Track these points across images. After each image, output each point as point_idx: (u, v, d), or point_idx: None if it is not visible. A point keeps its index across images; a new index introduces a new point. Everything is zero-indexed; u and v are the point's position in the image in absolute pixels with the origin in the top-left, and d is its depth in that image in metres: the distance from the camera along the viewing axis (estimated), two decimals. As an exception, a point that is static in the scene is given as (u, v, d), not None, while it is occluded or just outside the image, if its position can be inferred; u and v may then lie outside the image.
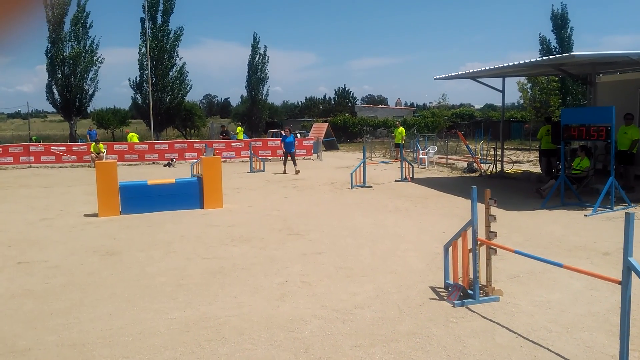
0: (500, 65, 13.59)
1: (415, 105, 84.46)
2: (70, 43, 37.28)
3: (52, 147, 24.21)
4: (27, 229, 9.47)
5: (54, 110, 41.07)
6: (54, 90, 37.72)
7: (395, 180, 15.60)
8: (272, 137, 32.57)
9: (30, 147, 23.98)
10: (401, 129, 22.23)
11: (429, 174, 17.73)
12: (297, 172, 18.11)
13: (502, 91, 16.62)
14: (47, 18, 36.20)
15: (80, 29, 37.39)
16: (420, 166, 20.04)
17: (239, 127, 32.59)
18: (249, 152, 21.24)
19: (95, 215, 10.48)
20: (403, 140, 22.59)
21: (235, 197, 12.91)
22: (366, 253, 7.22)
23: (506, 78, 16.72)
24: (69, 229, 9.39)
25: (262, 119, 48.44)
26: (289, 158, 18.88)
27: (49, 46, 36.80)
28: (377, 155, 26.38)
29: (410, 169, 16.11)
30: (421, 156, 21.05)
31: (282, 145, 19.01)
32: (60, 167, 23.25)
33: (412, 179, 15.68)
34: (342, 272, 6.33)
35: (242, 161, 23.64)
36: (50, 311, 5.20)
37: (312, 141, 26.66)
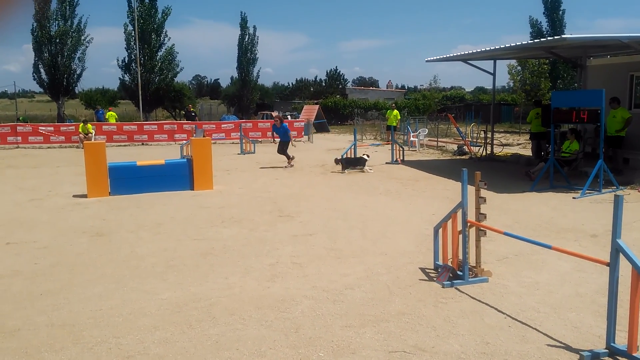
0: (491, 48, 13.55)
1: (406, 87, 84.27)
2: (57, 22, 36.56)
3: (39, 128, 23.90)
4: (15, 209, 9.38)
5: (41, 90, 40.43)
6: (41, 70, 37.09)
7: (386, 163, 15.61)
8: (262, 118, 32.40)
9: (18, 128, 23.64)
10: (396, 111, 22.19)
11: (419, 157, 17.76)
12: (291, 160, 15.38)
13: (493, 74, 16.61)
14: (33, -5, 35.41)
15: (67, 7, 36.64)
16: (410, 149, 20.05)
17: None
18: (239, 134, 21.11)
19: (84, 196, 10.40)
20: (397, 123, 22.54)
21: (226, 178, 12.86)
22: (356, 235, 7.24)
23: (497, 61, 16.69)
24: (57, 209, 9.31)
25: (252, 101, 48.07)
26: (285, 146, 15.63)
27: (35, 25, 36.05)
28: (368, 138, 26.34)
29: (401, 152, 16.12)
30: (412, 139, 21.05)
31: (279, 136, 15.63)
32: (48, 147, 22.98)
33: (403, 162, 15.71)
34: (333, 253, 6.35)
35: (233, 143, 23.51)
36: (40, 292, 5.17)
37: (302, 123, 26.55)
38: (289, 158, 15.19)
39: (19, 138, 23.11)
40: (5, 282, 5.47)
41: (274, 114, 16.24)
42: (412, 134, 21.47)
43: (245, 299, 4.88)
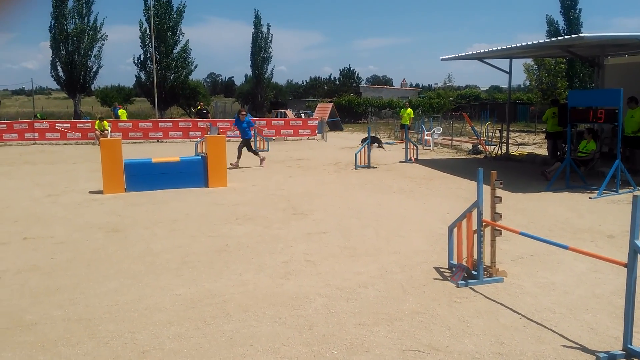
0: (507, 46, 13.42)
1: (420, 86, 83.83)
2: (73, 19, 36.97)
3: (56, 124, 24.20)
4: (32, 205, 9.51)
5: (58, 87, 40.94)
6: (58, 67, 37.56)
7: (400, 161, 15.56)
8: (276, 116, 32.48)
9: (35, 124, 23.96)
10: (409, 110, 22.06)
11: (433, 155, 17.67)
12: (262, 161, 14.89)
13: (509, 72, 16.45)
14: (51, -7, 35.89)
15: (84, 5, 37.04)
16: (425, 147, 19.96)
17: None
18: (253, 132, 21.15)
19: (100, 192, 10.51)
20: (411, 121, 22.44)
21: (240, 176, 12.92)
22: (370, 233, 7.23)
23: (513, 59, 16.54)
24: (74, 205, 9.43)
25: (266, 99, 48.21)
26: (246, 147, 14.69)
27: (53, 22, 36.53)
28: (382, 136, 26.25)
29: (415, 150, 16.05)
30: (426, 137, 20.95)
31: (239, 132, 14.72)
32: (65, 144, 23.25)
33: (417, 160, 15.64)
34: (346, 251, 6.35)
35: (246, 140, 23.56)
36: (57, 286, 5.24)
37: (316, 121, 26.56)
38: (257, 154, 15.00)
39: (36, 134, 23.43)
40: (22, 277, 5.55)
41: (242, 112, 15.29)
42: (426, 132, 21.36)
43: (259, 296, 4.90)
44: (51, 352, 3.85)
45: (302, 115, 34.37)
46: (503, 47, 13.65)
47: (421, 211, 8.69)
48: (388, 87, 66.62)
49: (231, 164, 13.93)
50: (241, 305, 4.68)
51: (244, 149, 14.56)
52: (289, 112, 36.03)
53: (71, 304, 4.78)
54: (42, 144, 23.00)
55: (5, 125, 23.80)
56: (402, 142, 18.07)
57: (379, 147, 15.45)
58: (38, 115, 36.85)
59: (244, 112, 14.90)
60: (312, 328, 4.19)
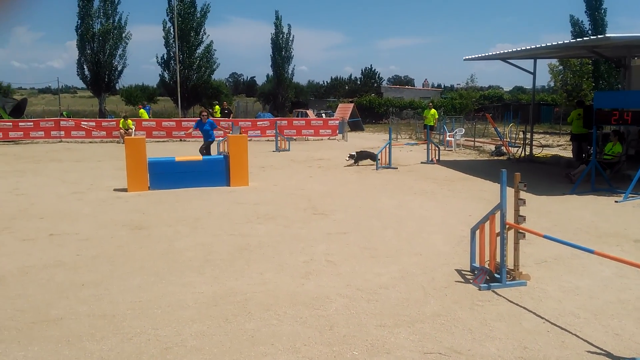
0: (531, 47, 13.23)
1: (442, 86, 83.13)
2: (99, 19, 37.59)
3: (82, 122, 24.65)
4: (58, 202, 9.71)
5: (84, 86, 41.64)
6: (84, 67, 38.19)
7: (421, 162, 15.46)
8: (297, 116, 32.55)
9: (61, 122, 24.42)
10: (433, 110, 21.94)
11: (455, 157, 17.52)
12: None
13: (533, 73, 16.22)
14: (77, -6, 36.54)
15: (109, 5, 37.63)
16: (446, 148, 19.80)
17: (217, 107, 30.79)
18: (274, 131, 21.28)
19: (125, 190, 10.68)
20: (435, 122, 22.30)
21: (261, 175, 12.99)
22: (391, 234, 7.21)
23: (537, 60, 16.30)
24: (99, 202, 9.60)
25: (287, 99, 48.35)
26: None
27: (79, 22, 37.19)
28: (403, 137, 26.14)
29: (437, 151, 15.94)
30: (448, 138, 20.79)
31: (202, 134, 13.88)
32: (90, 142, 23.66)
33: (439, 161, 15.53)
34: (367, 252, 6.34)
35: (268, 140, 23.70)
36: (82, 282, 5.35)
37: (337, 121, 26.54)
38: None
39: (62, 132, 23.88)
40: (49, 272, 5.67)
41: (204, 112, 14.13)
42: (448, 133, 21.19)
43: (279, 295, 4.93)
44: (76, 347, 3.92)
45: (323, 115, 34.38)
46: (527, 48, 13.46)
47: (443, 213, 8.63)
48: (410, 87, 66.26)
49: None
50: (262, 304, 4.72)
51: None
52: (310, 112, 36.08)
53: (96, 299, 4.87)
54: (68, 142, 23.45)
55: (32, 123, 24.32)
56: (424, 143, 17.97)
57: (373, 160, 14.50)
58: (64, 113, 37.49)
59: (205, 114, 14.03)
60: (332, 328, 4.20)
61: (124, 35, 38.39)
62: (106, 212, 8.74)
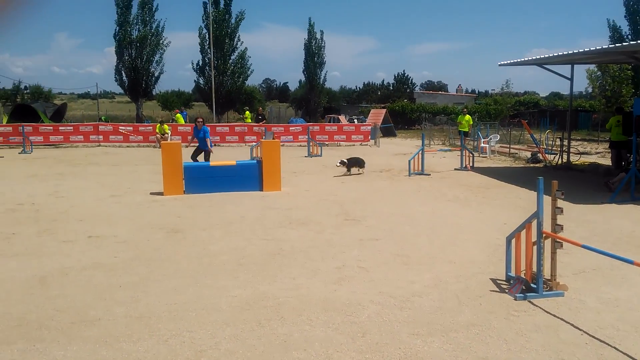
0: (569, 52, 12.94)
1: (477, 92, 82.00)
2: (137, 26, 38.63)
3: (119, 127, 25.32)
4: (97, 205, 9.99)
5: (122, 91, 42.83)
6: (122, 72, 39.30)
7: (455, 169, 15.28)
8: (329, 122, 32.64)
9: (100, 127, 25.15)
10: (468, 116, 21.70)
11: (490, 163, 17.24)
12: None
13: (571, 79, 15.85)
14: (116, 1, 37.66)
15: (147, 11, 38.62)
16: (481, 155, 19.51)
17: (247, 112, 31.45)
18: (306, 137, 21.39)
19: (161, 193, 10.91)
20: (470, 128, 22.04)
21: (293, 180, 13.06)
22: (424, 241, 7.14)
23: (575, 65, 15.91)
24: (136, 206, 9.83)
25: (320, 104, 48.55)
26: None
27: (117, 29, 38.29)
28: (436, 143, 25.90)
29: (471, 158, 15.72)
30: (482, 145, 20.48)
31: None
32: (127, 146, 24.26)
33: (473, 168, 15.31)
34: (400, 259, 6.30)
35: (300, 145, 23.83)
36: (119, 284, 5.48)
37: (369, 127, 26.50)
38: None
39: (101, 137, 24.57)
40: (87, 274, 5.84)
41: (199, 119, 13.38)
42: (482, 139, 20.87)
43: (312, 301, 4.94)
44: (113, 348, 4.02)
45: (355, 120, 34.38)
46: (564, 53, 13.17)
47: (477, 220, 8.50)
48: (443, 92, 65.60)
49: None
50: (295, 309, 4.74)
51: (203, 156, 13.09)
52: (342, 117, 36.13)
53: (132, 301, 4.98)
54: (106, 146, 24.10)
55: (71, 128, 25.13)
56: (457, 150, 17.75)
57: (360, 168, 14.30)
58: (102, 118, 38.70)
59: (201, 120, 13.47)
60: (365, 335, 4.19)
61: (161, 41, 39.35)
62: (143, 216, 8.94)
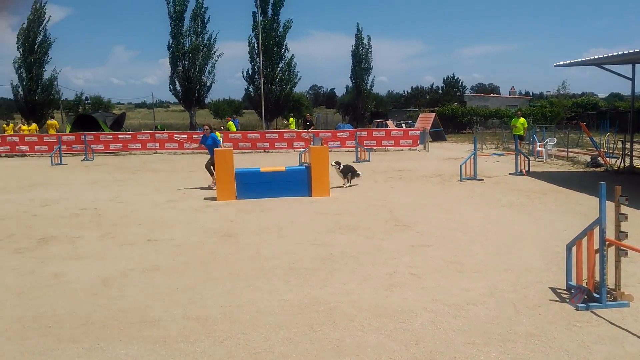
0: (630, 51, 12.35)
1: (531, 94, 79.50)
2: (189, 37, 39.81)
3: (175, 135, 26.17)
4: (154, 209, 10.34)
5: (176, 100, 44.21)
6: (176, 82, 40.58)
7: (509, 174, 14.86)
8: (377, 127, 32.49)
9: (156, 135, 26.09)
10: (522, 119, 21.12)
11: (546, 168, 16.66)
12: (211, 186, 12.69)
13: (632, 79, 15.11)
14: (169, 14, 39.00)
15: (199, 23, 39.76)
16: (536, 159, 18.89)
17: (291, 118, 31.95)
18: (354, 142, 21.37)
19: (214, 199, 11.17)
20: (525, 131, 21.44)
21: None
22: (478, 248, 6.98)
23: (636, 65, 15.17)
24: (191, 211, 10.11)
25: (367, 109, 48.42)
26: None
27: (171, 41, 39.61)
28: (489, 147, 25.28)
29: (526, 162, 15.25)
30: (538, 148, 19.84)
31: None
32: (182, 153, 25.00)
33: (528, 173, 14.84)
34: (453, 266, 6.18)
35: (348, 151, 23.83)
36: (176, 286, 5.65)
37: (418, 132, 26.18)
38: (212, 175, 12.77)
39: (157, 144, 25.46)
40: (147, 276, 6.05)
41: (205, 127, 13.44)
42: (538, 143, 20.22)
43: (363, 307, 4.92)
44: (172, 348, 4.14)
45: (404, 125, 34.05)
46: (625, 52, 12.59)
47: (534, 227, 8.22)
48: (495, 95, 63.98)
49: (209, 186, 12.86)
50: (347, 314, 4.74)
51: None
52: (389, 122, 35.88)
53: (189, 303, 5.12)
54: (162, 153, 24.93)
55: (130, 136, 26.22)
56: (511, 154, 17.27)
57: (352, 177, 13.18)
58: (158, 126, 40.11)
59: (207, 127, 13.42)
60: (418, 343, 4.13)
61: (212, 52, 40.39)
62: (198, 220, 9.18)
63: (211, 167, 12.65)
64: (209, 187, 12.79)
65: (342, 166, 13.21)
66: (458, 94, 66.67)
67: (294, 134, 26.19)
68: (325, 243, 7.38)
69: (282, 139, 25.77)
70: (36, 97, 38.26)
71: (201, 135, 13.94)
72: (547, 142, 20.22)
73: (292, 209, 10.08)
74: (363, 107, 47.92)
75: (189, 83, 39.99)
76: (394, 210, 9.78)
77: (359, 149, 20.35)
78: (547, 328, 4.37)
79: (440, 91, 71.51)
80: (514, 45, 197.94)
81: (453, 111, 42.91)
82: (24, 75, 38.01)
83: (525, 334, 4.27)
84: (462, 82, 73.37)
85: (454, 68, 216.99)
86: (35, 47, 38.02)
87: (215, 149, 11.94)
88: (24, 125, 28.08)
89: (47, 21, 38.53)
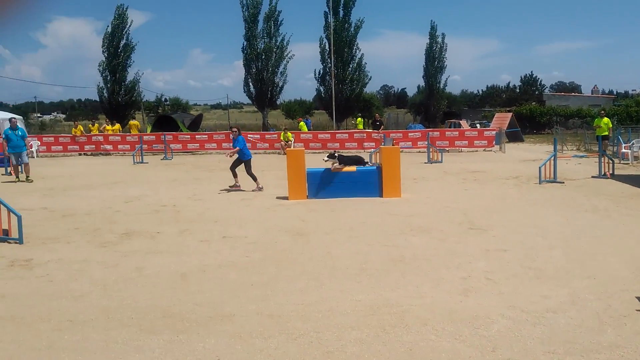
0: None
1: (615, 92, 74.58)
2: (263, 39, 40.78)
3: (248, 135, 26.87)
4: (229, 207, 10.70)
5: (249, 101, 45.48)
6: (250, 84, 41.73)
7: (592, 177, 14.05)
8: (449, 127, 31.79)
9: (231, 135, 26.91)
10: (606, 119, 19.93)
11: (633, 171, 15.61)
12: (236, 186, 12.97)
13: None
14: (244, 17, 40.14)
15: (272, 25, 40.63)
16: (622, 162, 17.74)
17: (359, 119, 31.80)
18: (426, 143, 21.02)
19: (286, 198, 11.39)
20: (610, 132, 20.24)
21: (413, 187, 12.91)
22: (558, 254, 6.66)
23: None
24: (264, 209, 10.37)
25: (439, 109, 47.44)
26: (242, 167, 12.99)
27: (245, 43, 40.78)
28: (570, 148, 24.02)
29: (610, 165, 14.35)
30: (624, 150, 18.61)
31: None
32: (255, 153, 25.58)
33: (613, 176, 13.97)
34: (531, 272, 5.94)
35: (419, 152, 23.49)
36: (250, 282, 5.81)
37: (493, 132, 25.32)
38: (255, 179, 12.84)
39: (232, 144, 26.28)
40: (222, 271, 6.27)
41: (233, 129, 13.44)
42: (624, 145, 18.98)
43: (436, 310, 4.84)
44: (247, 343, 4.27)
45: (478, 125, 33.09)
46: None
47: (620, 233, 7.74)
48: (576, 94, 60.65)
49: (233, 186, 12.99)
50: (419, 317, 4.68)
51: (241, 168, 12.98)
52: (463, 122, 34.99)
53: (263, 299, 5.26)
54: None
55: (206, 136, 27.31)
56: (594, 155, 16.33)
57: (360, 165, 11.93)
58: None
59: (235, 129, 13.19)
60: (495, 350, 4.01)
61: (285, 53, 41.17)
62: (270, 218, 9.41)
63: (249, 170, 12.77)
64: (231, 188, 12.88)
65: (338, 155, 11.84)
66: (536, 93, 63.85)
67: (364, 134, 26.15)
68: (397, 244, 7.32)
69: (353, 139, 25.81)
70: (119, 99, 40.60)
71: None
72: (633, 144, 18.94)
73: (363, 209, 10.08)
74: (435, 107, 47.00)
75: (262, 84, 40.98)
76: (468, 212, 9.53)
77: (431, 150, 20.00)
78: (635, 339, 4.10)
79: (518, 90, 68.78)
80: (596, 42, 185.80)
81: (531, 111, 41.09)
82: (108, 77, 40.48)
83: (609, 344, 4.03)
84: (540, 81, 70.20)
85: (532, 66, 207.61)
86: (119, 50, 40.37)
87: (289, 149, 12.16)
88: (108, 125, 29.85)
89: (130, 25, 40.84)
